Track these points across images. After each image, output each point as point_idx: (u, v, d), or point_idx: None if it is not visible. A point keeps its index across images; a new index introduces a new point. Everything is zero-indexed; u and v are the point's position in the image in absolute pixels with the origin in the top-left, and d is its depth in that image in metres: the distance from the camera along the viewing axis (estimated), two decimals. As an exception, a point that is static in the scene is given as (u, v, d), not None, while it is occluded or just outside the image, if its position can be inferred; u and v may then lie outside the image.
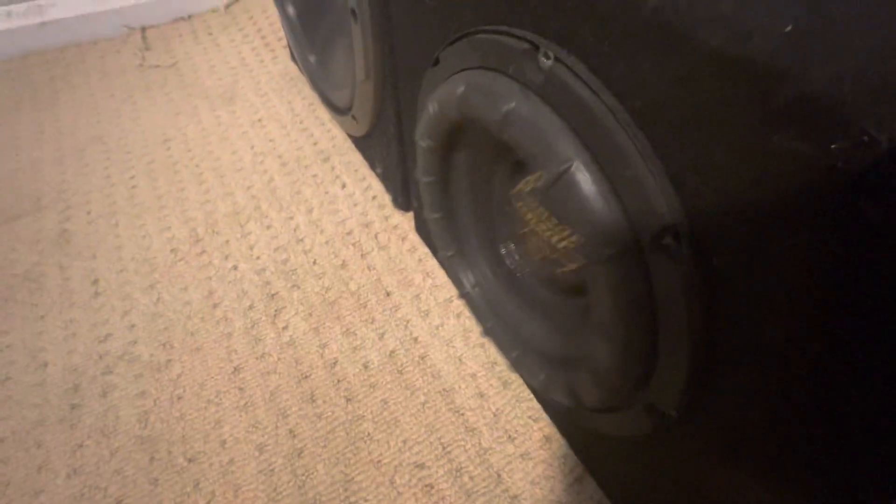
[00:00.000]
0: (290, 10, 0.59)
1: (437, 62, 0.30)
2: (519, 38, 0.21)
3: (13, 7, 0.77)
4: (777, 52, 0.14)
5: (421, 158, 0.34)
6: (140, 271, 0.52)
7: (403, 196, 0.55)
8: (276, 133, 0.68)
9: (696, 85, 0.16)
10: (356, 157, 0.64)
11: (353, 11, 0.38)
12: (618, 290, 0.21)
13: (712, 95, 0.15)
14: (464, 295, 0.40)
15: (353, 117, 0.53)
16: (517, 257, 0.34)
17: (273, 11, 0.89)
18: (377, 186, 0.60)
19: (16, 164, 0.64)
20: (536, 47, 0.19)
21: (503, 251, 0.35)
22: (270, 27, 0.86)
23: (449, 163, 0.34)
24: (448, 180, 0.35)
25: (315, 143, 0.67)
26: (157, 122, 0.70)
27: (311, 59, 0.59)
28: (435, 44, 0.31)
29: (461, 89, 0.24)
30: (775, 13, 0.14)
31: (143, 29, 0.84)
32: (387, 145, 0.51)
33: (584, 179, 0.18)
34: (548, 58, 0.19)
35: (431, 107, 0.28)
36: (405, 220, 0.56)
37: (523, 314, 0.34)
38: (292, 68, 0.79)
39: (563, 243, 0.26)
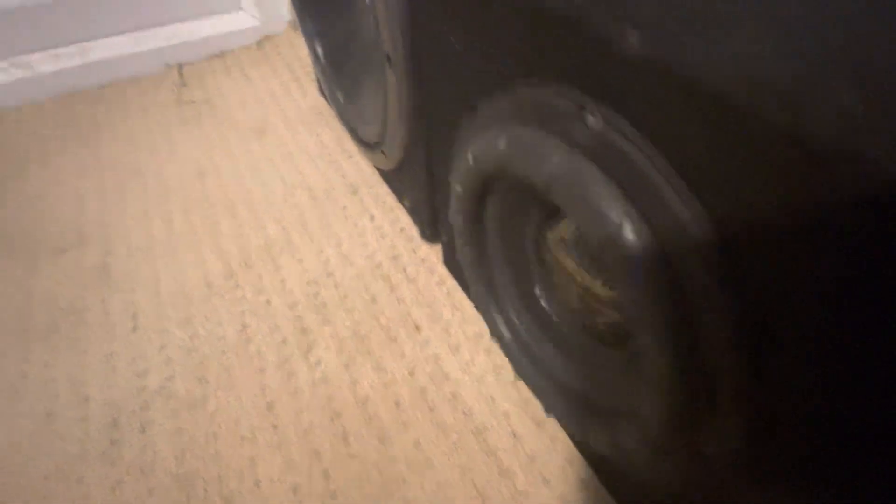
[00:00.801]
0: (319, 49, 0.61)
1: (474, 109, 0.31)
2: (565, 96, 0.21)
3: (60, 49, 0.81)
4: (836, 132, 0.14)
5: (455, 202, 0.35)
6: (176, 305, 0.53)
7: (431, 229, 0.56)
8: (306, 165, 0.70)
9: (752, 157, 0.16)
10: (384, 190, 0.65)
11: (387, 56, 0.40)
12: (667, 345, 0.21)
13: (771, 171, 0.15)
14: (496, 334, 0.40)
15: (383, 152, 0.54)
16: (553, 301, 0.34)
17: (302, 47, 0.92)
18: (405, 219, 0.61)
19: (62, 197, 0.67)
20: (583, 107, 0.20)
21: (538, 293, 0.35)
22: (299, 62, 0.89)
23: (483, 205, 0.34)
24: (481, 221, 0.36)
25: (343, 176, 0.68)
26: (192, 156, 0.73)
27: (340, 95, 0.61)
28: (472, 91, 0.31)
29: (502, 145, 0.24)
30: (835, 91, 0.14)
31: (180, 66, 0.88)
32: (415, 180, 0.52)
33: (633, 242, 0.18)
34: (596, 118, 0.19)
35: (469, 156, 0.28)
36: (433, 253, 0.57)
37: (559, 359, 0.34)
38: (320, 101, 0.82)
39: (606, 296, 0.26)
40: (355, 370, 0.46)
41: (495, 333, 0.40)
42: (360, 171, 0.69)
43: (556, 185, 0.21)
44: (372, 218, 0.62)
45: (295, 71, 0.89)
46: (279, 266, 0.57)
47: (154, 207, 0.65)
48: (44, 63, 0.80)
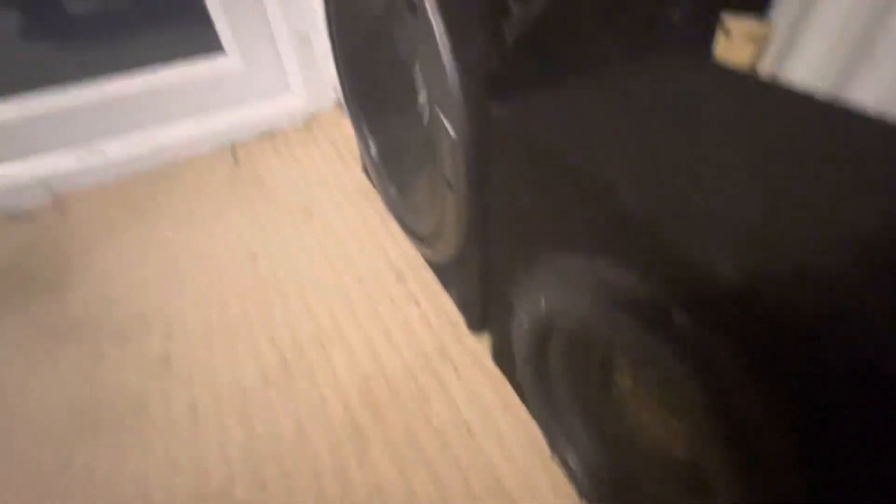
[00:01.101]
0: (372, 146, 0.65)
1: (545, 254, 0.33)
2: (650, 291, 0.22)
3: (130, 136, 0.88)
4: None
5: (521, 330, 0.36)
6: (234, 399, 0.55)
7: (480, 322, 0.57)
8: (353, 248, 0.73)
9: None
10: (428, 275, 0.67)
11: (448, 182, 0.42)
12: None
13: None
14: (555, 452, 0.40)
15: (433, 248, 0.56)
16: (618, 427, 0.34)
17: (345, 126, 0.98)
18: (450, 305, 0.62)
19: (128, 282, 0.71)
20: (670, 307, 0.21)
21: (603, 417, 0.35)
22: (343, 141, 0.95)
23: (550, 339, 0.35)
24: (547, 350, 0.36)
25: (389, 259, 0.71)
26: (245, 238, 0.77)
27: (392, 189, 0.64)
28: (544, 240, 0.33)
29: (582, 310, 0.26)
30: None
31: (234, 146, 0.95)
32: (466, 279, 0.53)
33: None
34: (682, 318, 0.20)
35: (543, 303, 0.30)
36: (480, 346, 0.58)
37: (626, 485, 0.34)
38: (364, 181, 0.86)
39: (679, 433, 0.26)
40: (410, 477, 0.47)
41: (556, 449, 0.40)
42: (404, 254, 0.71)
43: (639, 361, 0.22)
44: (418, 304, 0.64)
45: (339, 149, 0.94)
46: (331, 357, 0.58)
47: (211, 292, 0.68)
48: (115, 149, 0.87)
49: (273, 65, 0.94)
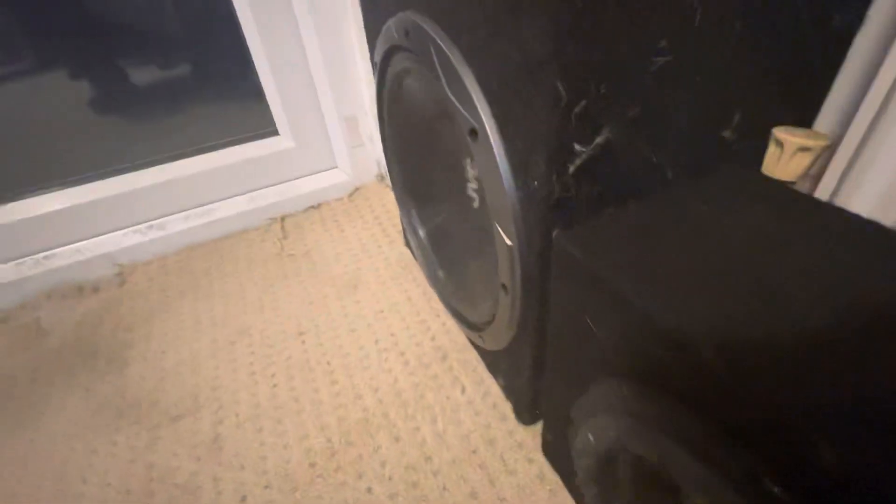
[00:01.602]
0: (421, 232, 0.67)
1: (611, 378, 0.33)
2: (736, 457, 0.22)
3: (190, 212, 0.95)
4: None
5: (584, 448, 0.36)
6: (283, 489, 0.55)
7: (529, 414, 0.56)
8: (397, 326, 0.74)
9: None
10: (472, 356, 0.68)
11: (503, 286, 0.43)
12: None
13: None
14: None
15: (482, 337, 0.57)
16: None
17: (386, 197, 1.02)
18: (495, 391, 0.62)
19: (180, 356, 0.74)
20: (761, 476, 0.21)
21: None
22: (386, 214, 0.99)
23: (616, 460, 0.34)
24: (613, 469, 0.36)
25: (433, 338, 0.71)
26: (293, 313, 0.79)
27: (440, 273, 0.65)
28: (601, 364, 0.33)
29: (659, 453, 0.25)
30: None
31: (283, 218, 1.00)
32: (517, 370, 0.53)
33: None
34: (778, 488, 0.20)
35: (606, 430, 0.29)
36: (529, 437, 0.57)
37: None
38: (406, 254, 0.89)
39: None
40: (461, 587, 0.45)
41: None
42: (448, 332, 0.72)
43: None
44: (463, 389, 0.63)
45: (381, 220, 0.97)
46: (378, 445, 0.58)
47: (260, 370, 0.70)
48: (175, 224, 0.93)
49: (322, 143, 1.01)
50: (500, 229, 0.40)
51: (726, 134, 0.38)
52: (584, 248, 0.33)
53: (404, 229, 0.84)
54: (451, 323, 0.73)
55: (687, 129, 0.36)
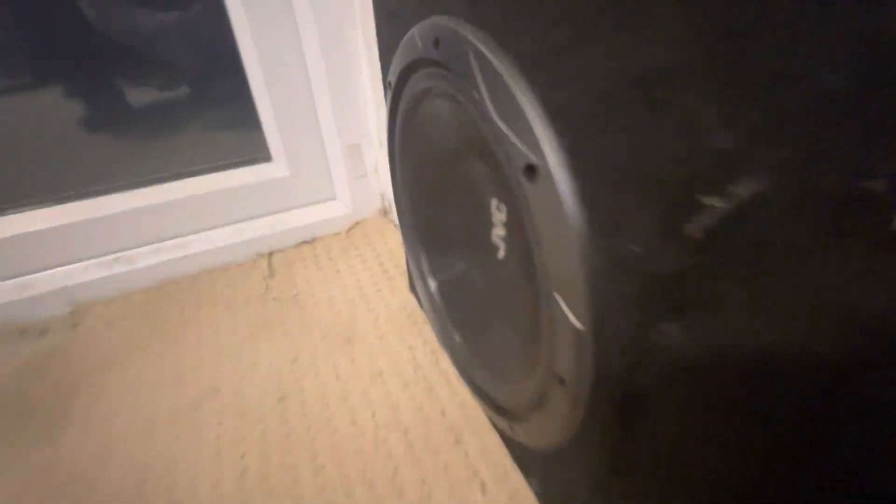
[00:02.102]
0: (433, 285, 0.56)
1: None
2: None
3: (162, 244, 0.83)
4: None
5: None
6: None
7: (569, 531, 0.43)
8: (399, 393, 0.62)
9: None
10: (493, 440, 0.55)
11: (560, 379, 0.32)
12: None
13: None
14: None
15: (513, 428, 0.44)
16: None
17: (390, 235, 0.91)
18: (526, 496, 0.49)
19: (132, 421, 0.61)
20: None
21: None
22: (388, 253, 0.87)
23: None
24: None
25: (443, 413, 0.59)
26: (274, 370, 0.66)
27: (456, 336, 0.54)
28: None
29: None
30: None
31: (270, 254, 0.88)
32: (565, 477, 0.41)
33: None
34: None
35: None
36: (569, 561, 0.44)
37: None
38: (410, 301, 0.77)
39: None
40: None
41: None
42: (463, 407, 0.59)
43: None
44: (483, 488, 0.50)
45: (382, 260, 0.86)
46: (371, 565, 0.45)
47: (228, 445, 0.57)
48: (145, 256, 0.81)
49: (320, 172, 0.91)
50: (563, 305, 0.29)
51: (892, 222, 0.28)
52: (710, 352, 0.22)
53: (410, 273, 0.73)
54: (466, 393, 0.61)
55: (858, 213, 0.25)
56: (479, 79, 0.31)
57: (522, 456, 0.49)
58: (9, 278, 0.76)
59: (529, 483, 0.48)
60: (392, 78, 0.49)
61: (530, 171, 0.28)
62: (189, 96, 0.91)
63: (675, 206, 0.22)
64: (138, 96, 0.88)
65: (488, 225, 0.46)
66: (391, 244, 0.90)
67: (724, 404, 0.23)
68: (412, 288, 0.78)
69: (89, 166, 0.86)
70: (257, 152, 0.90)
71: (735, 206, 0.21)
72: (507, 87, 0.28)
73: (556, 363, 0.32)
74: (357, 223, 0.95)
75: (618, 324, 0.28)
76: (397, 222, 0.91)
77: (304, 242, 0.91)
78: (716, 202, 0.21)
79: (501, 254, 0.46)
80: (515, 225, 0.41)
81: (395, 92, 0.49)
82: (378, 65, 0.75)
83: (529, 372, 0.39)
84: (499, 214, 0.44)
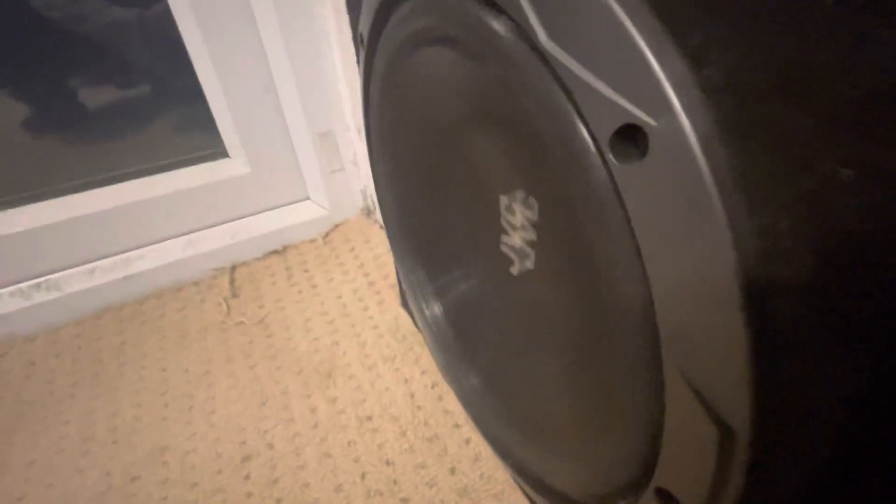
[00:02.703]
0: (436, 309, 0.42)
1: None
2: None
3: (98, 263, 0.68)
4: None
5: None
6: None
7: None
8: (394, 445, 0.48)
9: None
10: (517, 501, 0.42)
11: (668, 496, 0.19)
12: None
13: None
14: None
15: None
16: None
17: (377, 240, 0.77)
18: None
19: (45, 499, 0.46)
20: None
21: None
22: (375, 261, 0.73)
23: None
24: None
25: (452, 471, 0.46)
26: (235, 421, 0.53)
27: (473, 380, 0.40)
28: None
29: None
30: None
31: (233, 268, 0.74)
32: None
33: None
34: None
35: None
36: None
37: None
38: (403, 318, 0.63)
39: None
40: None
41: None
42: (477, 462, 0.46)
43: None
44: (513, 581, 0.38)
45: (369, 273, 0.72)
46: None
47: (172, 533, 0.43)
48: (76, 280, 0.66)
49: (287, 168, 0.76)
50: (694, 390, 0.16)
51: None
52: None
53: (402, 286, 0.59)
54: (480, 443, 0.48)
55: None
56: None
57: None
58: None
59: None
60: (364, 29, 0.35)
61: (630, 138, 0.15)
62: (145, 95, 0.77)
63: None
64: (91, 96, 0.74)
65: (495, 232, 0.33)
66: (377, 250, 0.76)
67: None
68: (404, 303, 0.64)
69: (16, 172, 0.71)
70: (212, 148, 0.75)
71: None
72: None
73: (665, 471, 0.19)
74: (336, 226, 0.81)
75: (809, 426, 0.15)
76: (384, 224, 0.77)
77: (273, 252, 0.77)
78: None
79: (529, 265, 0.32)
80: (557, 229, 0.27)
81: (370, 47, 0.35)
82: (349, 29, 0.61)
83: (598, 448, 0.26)
84: (520, 211, 0.31)
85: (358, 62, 0.42)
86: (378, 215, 0.79)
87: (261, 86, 0.69)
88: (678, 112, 0.13)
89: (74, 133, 0.75)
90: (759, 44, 0.12)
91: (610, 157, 0.16)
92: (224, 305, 0.68)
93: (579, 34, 0.15)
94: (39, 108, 0.73)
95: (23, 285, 0.65)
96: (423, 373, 0.56)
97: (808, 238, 0.13)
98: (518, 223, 0.31)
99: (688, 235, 0.14)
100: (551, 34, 0.16)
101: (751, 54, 0.12)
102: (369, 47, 0.36)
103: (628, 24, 0.14)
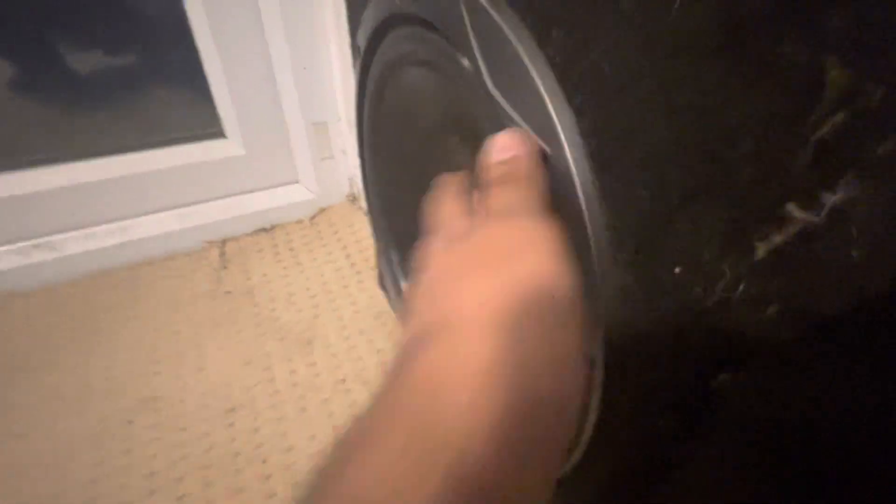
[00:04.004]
0: (405, 286, 0.49)
1: None
2: None
3: (96, 228, 0.73)
4: None
5: None
6: None
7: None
8: (364, 404, 0.55)
9: None
10: (468, 458, 0.50)
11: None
12: None
13: None
14: None
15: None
16: None
17: (359, 224, 0.84)
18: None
19: (49, 439, 0.52)
20: None
21: None
22: (357, 244, 0.80)
23: None
24: None
25: (413, 427, 0.53)
26: (222, 377, 0.58)
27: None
28: None
29: None
30: None
31: (223, 242, 0.79)
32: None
33: None
34: None
35: None
36: None
37: None
38: (379, 299, 0.70)
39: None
40: None
41: None
42: (435, 419, 0.53)
43: None
44: (457, 514, 0.45)
45: (351, 255, 0.78)
46: None
47: (164, 467, 0.49)
48: (74, 243, 0.70)
49: (280, 152, 0.81)
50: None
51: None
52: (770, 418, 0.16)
53: (380, 269, 0.66)
54: (437, 402, 0.55)
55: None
56: (472, 38, 0.24)
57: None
58: None
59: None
60: (361, 41, 0.41)
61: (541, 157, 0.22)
62: (136, 64, 0.80)
63: (746, 218, 0.16)
64: (77, 60, 0.76)
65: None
66: (360, 234, 0.82)
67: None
68: (382, 285, 0.71)
69: (14, 136, 0.74)
70: (209, 127, 0.80)
71: (826, 218, 0.16)
72: (510, 50, 0.22)
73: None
74: (322, 210, 0.86)
75: (637, 361, 0.22)
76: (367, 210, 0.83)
77: (262, 230, 0.82)
78: (805, 214, 0.16)
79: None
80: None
81: (366, 58, 0.41)
82: (346, 29, 0.67)
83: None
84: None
85: (354, 66, 0.48)
86: (362, 202, 0.85)
87: (261, 73, 0.74)
88: (564, 146, 0.20)
89: (64, 98, 0.77)
90: (616, 110, 0.19)
91: (526, 171, 0.22)
92: (214, 276, 0.73)
93: (512, 88, 0.22)
94: (27, 69, 0.74)
95: (22, 244, 0.69)
96: (394, 345, 0.63)
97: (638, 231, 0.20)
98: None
99: (569, 229, 0.21)
100: (495, 83, 0.23)
101: (608, 114, 0.19)
102: (365, 57, 0.42)
103: (541, 87, 0.21)
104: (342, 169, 0.84)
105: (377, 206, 0.54)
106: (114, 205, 0.74)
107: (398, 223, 0.53)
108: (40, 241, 0.70)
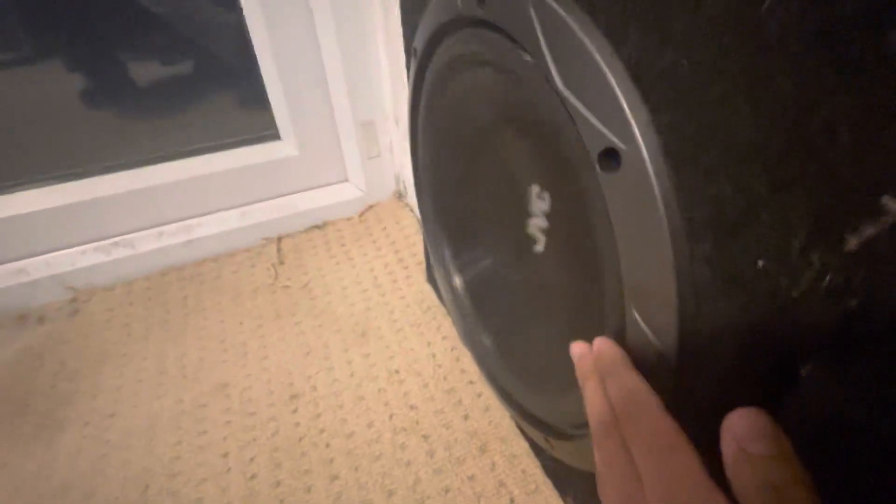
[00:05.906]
0: (458, 281, 0.50)
1: None
2: None
3: (165, 227, 0.78)
4: None
5: None
6: None
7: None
8: (417, 394, 0.57)
9: None
10: (520, 447, 0.50)
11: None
12: None
13: None
14: None
15: (550, 442, 0.40)
16: None
17: (406, 221, 0.86)
18: (561, 513, 0.45)
19: (132, 421, 0.57)
20: None
21: None
22: (405, 240, 0.82)
23: None
24: None
25: (466, 417, 0.54)
26: (284, 366, 0.62)
27: (485, 340, 0.48)
28: None
29: None
30: None
31: (279, 239, 0.83)
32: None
33: None
34: None
35: None
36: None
37: None
38: (428, 292, 0.72)
39: None
40: None
41: None
42: (487, 410, 0.55)
43: None
44: (512, 502, 0.46)
45: (398, 247, 0.81)
46: (393, 590, 0.41)
47: (236, 449, 0.53)
48: (146, 241, 0.76)
49: (331, 152, 0.85)
50: (640, 319, 0.23)
51: None
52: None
53: (429, 263, 0.68)
54: (490, 396, 0.56)
55: None
56: (540, 37, 0.25)
57: (558, 471, 0.45)
58: (4, 263, 0.71)
59: (564, 502, 0.44)
60: (419, 44, 0.42)
61: (610, 156, 0.22)
62: (194, 71, 0.85)
63: (839, 209, 0.16)
64: (141, 71, 0.82)
65: (524, 215, 0.41)
66: (407, 230, 0.84)
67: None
68: (430, 278, 0.73)
69: (89, 144, 0.81)
70: (265, 130, 0.84)
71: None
72: (582, 48, 0.22)
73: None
74: (370, 207, 0.89)
75: (715, 352, 0.22)
76: (413, 206, 0.85)
77: (315, 227, 0.86)
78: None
79: (539, 248, 0.40)
80: (563, 217, 0.35)
81: (422, 61, 0.43)
82: (395, 31, 0.68)
83: (575, 387, 0.34)
84: (539, 203, 0.39)
85: (408, 68, 0.50)
86: (409, 198, 0.87)
87: (313, 76, 0.77)
88: (639, 141, 0.21)
89: (130, 108, 0.82)
90: (695, 106, 0.19)
91: (597, 167, 0.23)
92: (272, 271, 0.78)
93: (584, 86, 0.23)
94: (96, 81, 0.80)
95: (103, 243, 0.75)
96: (443, 338, 0.64)
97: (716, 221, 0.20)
98: (539, 211, 0.38)
99: (643, 224, 0.22)
100: (565, 82, 0.24)
101: (686, 111, 0.20)
102: (422, 59, 0.43)
103: (615, 85, 0.21)
104: (388, 167, 0.86)
105: (429, 203, 0.55)
106: (181, 205, 0.79)
107: (451, 219, 0.54)
108: (118, 239, 0.76)
